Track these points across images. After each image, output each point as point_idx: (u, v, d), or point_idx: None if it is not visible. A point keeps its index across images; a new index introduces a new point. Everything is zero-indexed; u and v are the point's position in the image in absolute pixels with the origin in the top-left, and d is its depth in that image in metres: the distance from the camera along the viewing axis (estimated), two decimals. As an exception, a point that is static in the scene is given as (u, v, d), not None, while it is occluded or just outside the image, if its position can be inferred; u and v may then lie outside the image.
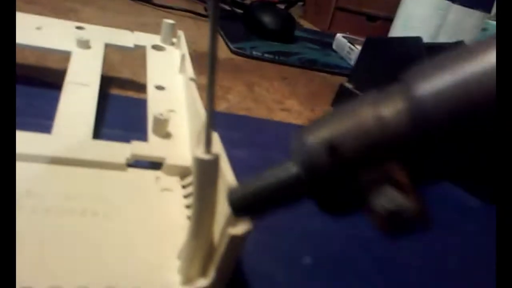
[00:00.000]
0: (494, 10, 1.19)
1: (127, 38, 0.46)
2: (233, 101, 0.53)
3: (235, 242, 0.20)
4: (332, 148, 0.15)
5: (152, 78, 0.41)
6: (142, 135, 0.37)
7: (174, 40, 0.47)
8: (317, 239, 0.31)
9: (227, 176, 0.24)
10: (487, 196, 0.42)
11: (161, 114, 0.34)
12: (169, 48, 0.46)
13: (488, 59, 0.14)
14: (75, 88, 0.37)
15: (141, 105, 0.43)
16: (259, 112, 0.51)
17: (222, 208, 0.22)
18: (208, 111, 0.20)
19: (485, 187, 0.42)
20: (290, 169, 0.17)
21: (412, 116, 0.14)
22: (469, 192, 0.43)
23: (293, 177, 0.17)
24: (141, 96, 0.46)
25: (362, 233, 0.34)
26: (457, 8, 0.99)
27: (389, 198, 0.14)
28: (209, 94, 0.20)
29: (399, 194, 0.14)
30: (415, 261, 0.32)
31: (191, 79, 0.39)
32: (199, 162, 0.21)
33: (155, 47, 0.45)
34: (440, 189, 0.44)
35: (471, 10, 1.06)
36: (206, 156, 0.21)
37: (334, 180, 0.15)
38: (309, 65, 0.75)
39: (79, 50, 0.42)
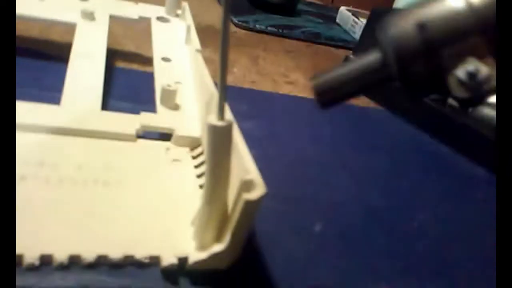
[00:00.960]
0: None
1: (131, 10, 0.45)
2: (238, 74, 0.52)
3: (250, 207, 0.21)
4: (422, 26, 0.17)
5: (158, 50, 0.41)
6: (149, 107, 0.37)
7: (179, 11, 0.47)
8: (327, 208, 0.32)
9: (239, 144, 0.24)
10: (490, 164, 0.42)
11: (169, 85, 0.34)
12: (173, 19, 0.46)
13: None
14: (81, 60, 0.37)
15: (147, 77, 0.43)
16: (264, 85, 0.51)
17: (236, 175, 0.22)
18: (220, 78, 0.20)
19: (490, 156, 0.42)
20: (376, 53, 0.19)
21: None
22: (475, 161, 0.44)
23: (379, 60, 0.19)
24: (146, 69, 0.46)
25: (371, 202, 0.34)
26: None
27: (472, 65, 0.17)
28: (222, 62, 0.20)
29: (480, 63, 0.17)
30: (423, 229, 0.32)
31: (197, 50, 0.39)
32: (213, 129, 0.21)
33: (160, 19, 0.45)
34: (447, 158, 0.45)
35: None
36: (220, 123, 0.21)
37: (421, 54, 0.17)
38: (313, 38, 0.74)
39: (83, 21, 0.41)
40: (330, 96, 0.20)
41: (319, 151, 0.39)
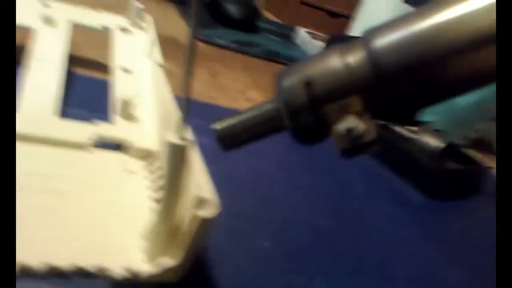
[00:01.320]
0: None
1: (94, 18, 0.45)
2: (197, 88, 0.53)
3: (203, 224, 0.22)
4: (308, 84, 0.20)
5: (118, 61, 0.41)
6: (107, 117, 0.37)
7: (142, 24, 0.47)
8: (277, 226, 0.33)
9: (196, 161, 0.25)
10: (430, 191, 0.46)
11: (129, 97, 0.35)
12: (137, 31, 0.46)
13: (421, 24, 0.18)
14: (40, 66, 0.36)
15: (106, 86, 0.43)
16: (223, 101, 0.52)
17: (191, 192, 0.23)
18: (185, 99, 0.21)
19: (428, 183, 0.45)
20: (271, 104, 0.21)
21: (370, 63, 0.19)
22: (414, 187, 0.47)
23: (273, 110, 0.21)
24: (106, 77, 0.46)
25: (317, 221, 0.36)
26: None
27: (349, 121, 0.19)
28: (185, 82, 0.21)
29: (357, 120, 0.19)
30: (366, 250, 0.34)
31: (159, 65, 0.39)
32: (173, 147, 0.21)
33: (123, 30, 0.45)
34: (390, 183, 0.47)
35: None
36: (180, 142, 0.21)
37: (307, 109, 0.20)
38: (272, 57, 0.76)
39: (45, 27, 0.41)
40: (230, 141, 0.22)
41: (272, 169, 0.40)
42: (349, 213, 0.39)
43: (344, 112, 0.19)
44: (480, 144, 0.73)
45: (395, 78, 0.19)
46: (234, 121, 0.22)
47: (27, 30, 0.41)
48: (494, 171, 0.60)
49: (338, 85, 0.20)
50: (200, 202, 0.22)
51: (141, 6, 0.45)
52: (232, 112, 0.51)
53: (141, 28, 0.47)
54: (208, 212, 0.22)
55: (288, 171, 0.41)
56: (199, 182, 0.23)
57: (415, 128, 0.52)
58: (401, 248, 0.37)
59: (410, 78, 0.19)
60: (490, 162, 0.68)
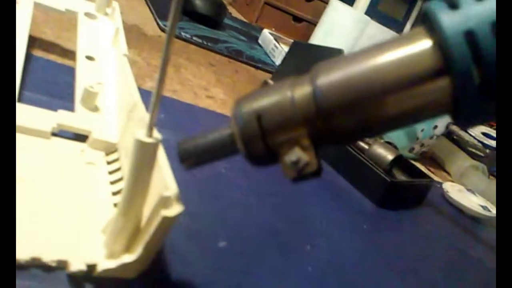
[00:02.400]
0: (405, 31, 1.32)
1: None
2: (159, 81, 0.53)
3: (166, 223, 0.22)
4: (259, 117, 0.21)
5: (82, 47, 0.40)
6: (66, 104, 0.36)
7: (108, 10, 0.46)
8: (233, 226, 0.34)
9: (162, 159, 0.25)
10: (379, 200, 0.48)
11: (92, 87, 0.34)
12: (102, 17, 0.45)
13: (360, 67, 0.20)
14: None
15: (67, 71, 0.42)
16: (185, 96, 0.52)
17: (155, 189, 0.23)
18: (156, 95, 0.21)
19: (377, 193, 0.48)
20: (227, 130, 0.23)
21: (314, 99, 0.20)
22: (365, 195, 0.49)
23: (229, 136, 0.22)
24: (65, 61, 0.45)
25: (272, 223, 0.37)
26: (374, 24, 1.07)
27: (295, 154, 0.21)
28: (159, 79, 0.21)
29: (302, 152, 0.21)
30: (315, 253, 0.36)
31: (124, 55, 0.39)
32: (141, 144, 0.22)
33: (88, 15, 0.44)
34: (343, 190, 0.49)
35: (385, 28, 1.15)
36: (148, 139, 0.22)
37: (258, 139, 0.21)
38: (236, 55, 0.77)
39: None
40: (191, 162, 0.23)
41: (232, 170, 0.41)
42: (304, 218, 0.40)
43: (292, 143, 0.21)
44: (426, 158, 0.77)
45: (335, 115, 0.20)
46: (196, 144, 0.23)
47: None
48: (438, 184, 0.64)
49: (285, 120, 0.21)
50: (165, 201, 0.22)
51: (109, -8, 0.44)
52: (194, 108, 0.51)
53: (106, 14, 0.46)
54: (172, 211, 0.22)
55: (247, 173, 0.42)
56: (165, 181, 0.23)
57: (369, 140, 0.55)
58: (350, 254, 0.38)
59: (349, 116, 0.20)
60: (435, 176, 0.72)
